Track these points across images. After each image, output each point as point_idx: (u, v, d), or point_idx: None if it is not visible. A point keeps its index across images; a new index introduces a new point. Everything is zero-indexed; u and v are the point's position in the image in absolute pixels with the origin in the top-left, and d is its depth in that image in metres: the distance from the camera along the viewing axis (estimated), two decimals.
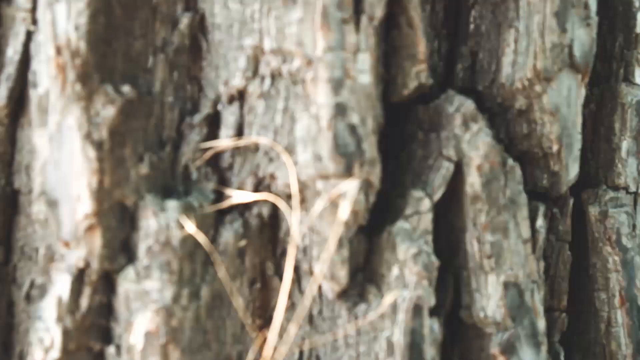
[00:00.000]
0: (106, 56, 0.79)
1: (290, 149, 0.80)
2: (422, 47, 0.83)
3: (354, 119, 0.79)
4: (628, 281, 0.94)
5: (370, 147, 0.79)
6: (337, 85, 0.78)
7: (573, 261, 0.95)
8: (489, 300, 0.85)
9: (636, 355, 0.95)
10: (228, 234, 0.81)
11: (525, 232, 0.87)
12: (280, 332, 0.84)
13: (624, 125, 0.95)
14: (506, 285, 0.85)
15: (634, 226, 0.95)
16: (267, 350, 0.78)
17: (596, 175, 0.96)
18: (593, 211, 0.94)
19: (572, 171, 0.90)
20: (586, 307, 0.96)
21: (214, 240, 0.81)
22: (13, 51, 0.82)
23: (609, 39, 0.96)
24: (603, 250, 0.94)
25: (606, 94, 0.95)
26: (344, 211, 0.76)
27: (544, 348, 0.88)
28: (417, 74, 0.84)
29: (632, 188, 0.95)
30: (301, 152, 0.79)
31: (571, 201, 0.93)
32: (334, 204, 0.79)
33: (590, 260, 0.95)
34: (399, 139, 0.87)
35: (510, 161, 0.85)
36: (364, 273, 0.84)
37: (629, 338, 0.95)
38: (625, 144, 0.95)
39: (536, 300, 0.87)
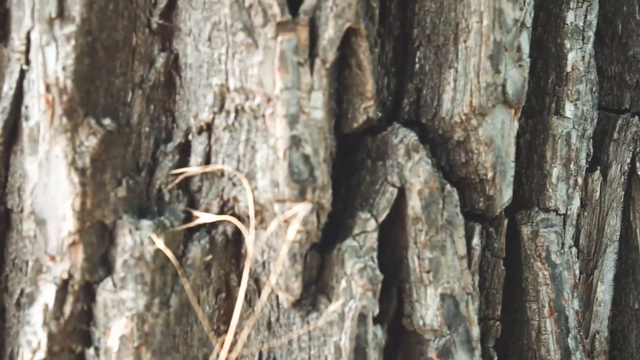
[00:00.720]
0: (90, 92, 0.89)
1: (251, 176, 0.90)
2: (369, 86, 0.93)
3: (307, 149, 0.89)
4: (556, 293, 1.04)
5: (322, 175, 0.90)
6: (292, 120, 0.88)
7: (507, 275, 1.05)
8: (428, 310, 0.95)
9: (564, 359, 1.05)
10: (196, 250, 0.92)
11: (461, 249, 0.97)
12: (241, 337, 0.94)
13: (554, 154, 1.05)
14: (443, 297, 0.95)
15: (563, 244, 1.05)
16: (224, 352, 0.88)
17: (529, 198, 1.06)
18: (526, 230, 1.04)
19: (506, 195, 1.01)
20: (519, 316, 1.06)
21: (183, 255, 0.91)
22: (8, 87, 0.92)
23: (542, 77, 1.06)
24: (534, 266, 1.04)
25: (539, 126, 1.06)
26: (293, 231, 0.86)
27: (477, 353, 0.98)
28: (365, 110, 0.94)
29: (562, 210, 1.05)
30: (260, 178, 0.90)
31: (505, 222, 1.03)
32: (288, 224, 0.89)
33: (523, 275, 1.05)
34: (350, 166, 0.98)
35: (448, 186, 0.95)
36: (316, 285, 0.94)
37: (557, 344, 1.05)
38: (556, 171, 1.05)
39: (470, 310, 0.97)
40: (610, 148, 1.11)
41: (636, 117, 1.12)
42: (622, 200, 1.11)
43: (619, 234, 1.12)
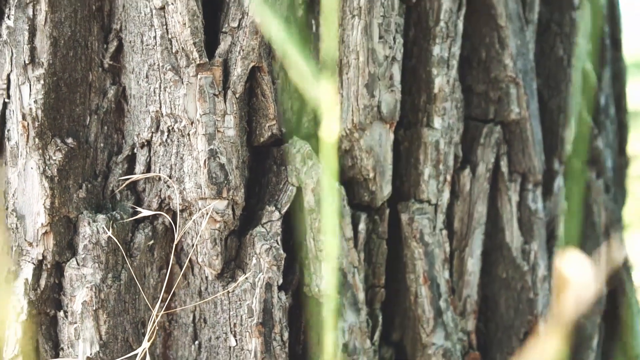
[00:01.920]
0: (56, 119, 1.15)
1: (180, 180, 1.17)
2: (271, 110, 1.19)
3: (223, 159, 1.16)
4: (429, 266, 1.31)
5: (234, 178, 1.17)
6: (210, 138, 1.15)
7: (392, 252, 1.32)
8: (322, 280, 1.22)
9: (437, 318, 1.32)
10: (141, 236, 1.18)
11: (348, 233, 1.24)
12: (180, 303, 1.21)
13: (426, 157, 1.31)
14: (333, 270, 1.22)
15: (434, 227, 1.32)
16: (161, 312, 1.15)
17: (408, 192, 1.33)
18: (404, 217, 1.31)
19: (385, 190, 1.28)
20: (402, 284, 1.33)
21: (131, 240, 1.18)
22: None
23: (416, 97, 1.32)
24: (411, 245, 1.31)
25: (414, 136, 1.32)
26: (205, 221, 1.14)
27: (363, 312, 1.25)
28: (269, 127, 1.21)
29: (433, 201, 1.32)
30: (187, 182, 1.17)
31: (387, 211, 1.30)
32: (209, 216, 1.16)
33: (403, 252, 1.32)
34: (261, 171, 1.24)
35: (336, 185, 1.23)
36: (235, 262, 1.21)
37: (431, 306, 1.32)
38: (427, 170, 1.31)
39: (357, 279, 1.25)
40: (478, 151, 1.38)
41: (499, 126, 1.39)
42: (488, 192, 1.38)
43: (485, 218, 1.38)
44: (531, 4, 1.40)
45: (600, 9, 1.57)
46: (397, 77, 1.25)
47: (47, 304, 1.16)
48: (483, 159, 1.37)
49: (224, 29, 1.17)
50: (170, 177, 1.17)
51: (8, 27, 1.13)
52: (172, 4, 1.14)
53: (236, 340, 1.18)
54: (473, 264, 1.37)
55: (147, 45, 1.17)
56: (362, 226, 1.26)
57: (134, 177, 1.18)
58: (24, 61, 1.14)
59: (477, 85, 1.38)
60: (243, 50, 1.16)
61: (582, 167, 1.51)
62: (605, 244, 1.52)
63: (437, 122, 1.31)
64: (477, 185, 1.37)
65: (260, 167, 1.24)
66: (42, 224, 1.14)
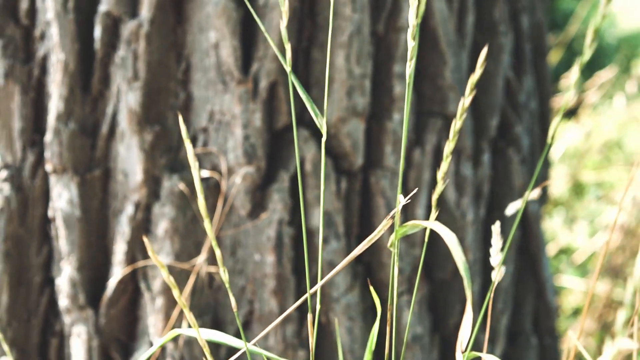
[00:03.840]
0: (148, 114, 1.84)
1: (225, 153, 1.85)
2: (284, 109, 1.87)
3: (253, 140, 1.83)
4: (388, 211, 1.98)
5: (260, 153, 1.84)
6: (245, 127, 1.83)
7: (363, 203, 1.99)
8: (315, 219, 1.90)
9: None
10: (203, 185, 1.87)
11: (333, 188, 1.91)
12: (224, 232, 1.89)
13: (387, 139, 1.98)
14: (322, 212, 1.90)
15: (393, 187, 1.99)
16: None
17: (375, 163, 2.00)
18: (373, 179, 1.98)
19: (359, 161, 1.95)
20: (370, 224, 2.00)
21: (193, 191, 1.86)
22: None
23: (382, 99, 1.99)
24: (376, 198, 1.98)
25: (380, 125, 1.99)
26: (242, 180, 1.82)
27: (342, 241, 1.93)
28: (283, 120, 1.88)
29: (392, 169, 1.99)
30: (230, 154, 1.85)
31: (361, 175, 1.98)
32: (243, 177, 1.84)
33: (371, 202, 1.99)
34: (278, 147, 1.92)
35: (324, 157, 1.90)
36: (260, 207, 1.89)
37: (388, 237, 1.99)
38: (388, 148, 1.98)
39: (338, 219, 1.92)
40: (426, 135, 2.04)
41: (440, 119, 2.05)
42: (431, 163, 2.04)
43: (429, 182, 2.05)
44: (465, 35, 2.06)
45: (523, 33, 2.22)
46: (367, 87, 1.92)
47: (141, 231, 1.85)
48: (429, 140, 2.03)
49: (254, 56, 1.84)
50: (219, 151, 1.85)
51: (120, 57, 1.82)
52: (222, 41, 1.81)
53: (260, 255, 1.86)
54: (420, 213, 2.04)
55: (206, 66, 1.84)
56: (343, 185, 1.93)
57: (197, 150, 1.86)
58: (129, 77, 1.82)
59: (426, 90, 2.04)
60: (266, 71, 1.83)
61: (504, 146, 2.17)
62: (519, 199, 2.18)
63: (396, 116, 1.97)
64: (425, 159, 2.03)
65: (278, 145, 1.91)
66: (139, 180, 1.83)
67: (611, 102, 5.73)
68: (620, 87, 5.92)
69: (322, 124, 1.36)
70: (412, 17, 1.13)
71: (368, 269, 1.99)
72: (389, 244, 1.34)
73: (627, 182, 4.07)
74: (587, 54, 0.93)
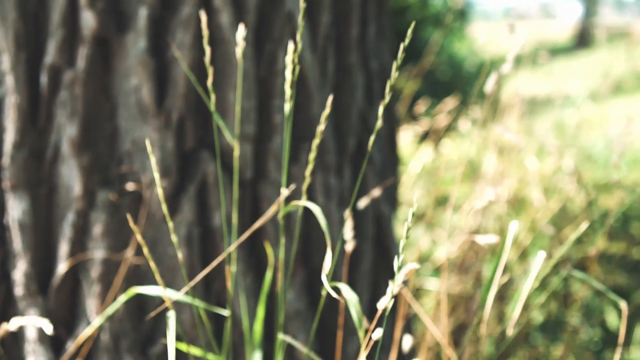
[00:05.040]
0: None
1: (144, 170, 2.41)
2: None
3: (168, 162, 2.40)
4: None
5: (172, 172, 2.41)
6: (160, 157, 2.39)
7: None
8: None
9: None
10: (124, 198, 2.42)
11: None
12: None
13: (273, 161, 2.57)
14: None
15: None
16: None
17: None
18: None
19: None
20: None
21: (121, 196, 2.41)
22: None
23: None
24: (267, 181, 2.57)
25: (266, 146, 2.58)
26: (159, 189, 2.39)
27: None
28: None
29: (277, 178, 2.58)
30: (148, 172, 2.41)
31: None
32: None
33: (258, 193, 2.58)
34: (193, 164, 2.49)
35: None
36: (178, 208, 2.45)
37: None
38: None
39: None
40: (303, 154, 2.65)
41: (310, 141, 2.65)
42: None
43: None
44: (328, 76, 2.67)
45: (372, 73, 2.85)
46: (254, 117, 2.50)
47: (80, 233, 2.38)
48: (303, 158, 2.63)
49: (166, 96, 2.40)
50: (141, 169, 2.40)
51: (62, 98, 2.36)
52: (142, 85, 2.37)
53: (174, 249, 2.42)
54: (298, 214, 2.63)
55: (129, 104, 2.40)
56: (237, 193, 2.51)
57: (124, 169, 2.40)
58: (69, 113, 2.36)
59: (299, 120, 2.64)
60: (176, 107, 2.40)
61: (361, 161, 2.79)
62: (372, 201, 2.80)
63: (276, 140, 2.56)
64: (300, 172, 2.62)
65: (186, 163, 2.47)
66: (78, 193, 2.36)
67: (460, 125, 6.51)
68: (468, 112, 6.68)
69: (235, 145, 1.92)
70: (288, 72, 1.73)
71: (259, 261, 2.56)
72: (279, 216, 1.92)
73: (474, 194, 4.84)
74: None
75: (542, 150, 6.73)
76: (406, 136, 6.50)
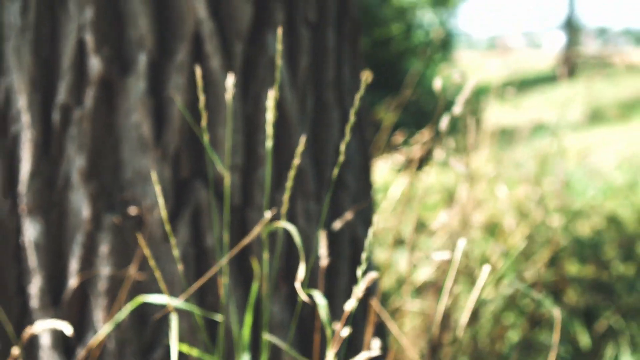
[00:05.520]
0: None
1: (144, 197, 2.77)
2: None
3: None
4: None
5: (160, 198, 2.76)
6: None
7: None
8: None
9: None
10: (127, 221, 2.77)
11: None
12: None
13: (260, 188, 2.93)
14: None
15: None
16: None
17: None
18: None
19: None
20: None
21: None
22: None
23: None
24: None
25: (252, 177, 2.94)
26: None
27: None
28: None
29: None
30: (149, 198, 2.76)
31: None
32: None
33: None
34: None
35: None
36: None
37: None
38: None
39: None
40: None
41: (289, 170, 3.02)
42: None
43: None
44: (306, 113, 3.03)
45: (347, 109, 3.21)
46: (241, 150, 2.86)
47: (88, 252, 2.73)
48: (285, 185, 2.98)
49: (164, 131, 2.76)
50: (142, 196, 2.75)
51: (71, 133, 2.71)
52: (142, 121, 2.73)
53: (172, 266, 2.76)
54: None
55: (131, 138, 2.76)
56: (227, 218, 2.86)
57: (127, 196, 2.76)
58: (77, 147, 2.71)
59: (283, 151, 2.99)
60: (173, 140, 2.76)
61: (338, 189, 3.14)
62: (348, 224, 3.15)
63: (261, 170, 2.91)
64: (282, 198, 2.98)
65: (182, 190, 2.83)
66: (86, 217, 2.71)
67: (436, 155, 6.88)
68: (446, 143, 7.04)
69: (225, 174, 2.27)
70: (269, 114, 2.09)
71: (247, 277, 2.91)
72: (263, 236, 2.27)
73: (447, 220, 5.22)
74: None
75: (518, 179, 7.11)
76: (385, 165, 6.90)
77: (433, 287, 5.22)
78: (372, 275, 1.88)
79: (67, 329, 2.12)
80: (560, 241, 6.35)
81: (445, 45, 16.54)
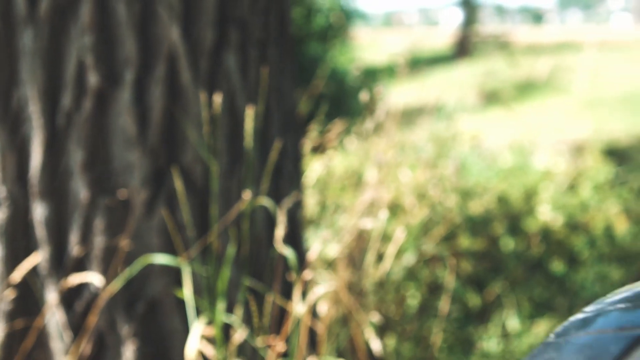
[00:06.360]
0: None
1: None
2: None
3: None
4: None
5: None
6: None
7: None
8: None
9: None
10: None
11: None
12: None
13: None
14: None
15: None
16: None
17: None
18: None
19: None
20: None
21: None
22: None
23: None
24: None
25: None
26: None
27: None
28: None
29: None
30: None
31: None
32: None
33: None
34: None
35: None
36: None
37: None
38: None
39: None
40: None
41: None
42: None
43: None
44: (256, 112, 3.91)
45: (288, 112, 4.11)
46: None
47: (85, 226, 3.58)
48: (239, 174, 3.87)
49: (146, 129, 3.62)
50: (129, 182, 3.61)
51: (73, 134, 3.55)
52: (128, 123, 3.58)
53: (151, 238, 3.62)
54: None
55: (120, 136, 3.61)
56: (194, 201, 3.74)
57: (119, 185, 3.61)
58: (77, 144, 3.56)
59: (237, 146, 3.87)
60: (153, 137, 3.62)
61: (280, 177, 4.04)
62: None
63: (221, 161, 3.80)
64: (235, 185, 3.86)
65: (161, 177, 3.68)
66: (84, 199, 3.56)
67: (348, 141, 7.86)
68: (355, 129, 8.01)
69: (193, 165, 3.15)
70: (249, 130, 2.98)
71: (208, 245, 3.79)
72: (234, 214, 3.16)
73: (358, 200, 6.32)
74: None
75: (418, 162, 8.11)
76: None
77: (343, 260, 6.19)
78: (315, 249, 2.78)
79: (100, 279, 2.98)
80: (455, 218, 7.41)
81: (343, 26, 17.41)
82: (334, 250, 6.37)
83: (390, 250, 5.15)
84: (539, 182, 9.03)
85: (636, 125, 12.59)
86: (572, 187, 9.19)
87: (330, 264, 6.34)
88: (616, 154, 11.43)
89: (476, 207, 8.02)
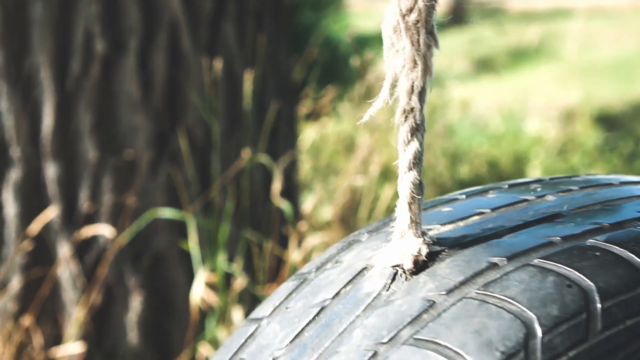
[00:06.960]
0: None
1: None
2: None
3: None
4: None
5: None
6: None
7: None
8: None
9: None
10: None
11: None
12: None
13: None
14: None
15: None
16: None
17: None
18: None
19: None
20: None
21: None
22: None
23: None
24: None
25: None
26: None
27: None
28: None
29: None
30: None
31: None
32: None
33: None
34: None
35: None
36: None
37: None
38: None
39: None
40: None
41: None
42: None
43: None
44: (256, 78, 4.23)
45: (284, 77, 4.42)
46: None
47: (94, 185, 3.90)
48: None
49: (150, 93, 3.93)
50: (136, 144, 3.93)
51: (83, 98, 3.86)
52: (132, 88, 3.90)
53: (156, 195, 3.95)
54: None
55: (126, 101, 3.93)
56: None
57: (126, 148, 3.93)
58: (86, 108, 3.87)
59: (236, 110, 4.19)
60: (156, 102, 3.94)
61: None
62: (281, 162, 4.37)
63: (221, 124, 4.11)
64: (233, 145, 4.18)
65: (164, 138, 4.00)
66: (92, 158, 3.88)
67: (341, 107, 8.17)
68: (348, 95, 8.32)
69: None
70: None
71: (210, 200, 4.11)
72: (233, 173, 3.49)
73: (351, 164, 6.71)
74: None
75: None
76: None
77: (336, 222, 6.51)
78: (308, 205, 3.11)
79: (109, 230, 3.31)
80: (445, 182, 7.74)
81: None
82: (327, 212, 6.68)
83: (380, 208, 5.45)
84: (530, 147, 9.35)
85: (627, 92, 12.93)
86: (562, 153, 9.52)
87: (324, 226, 6.63)
88: (607, 121, 11.76)
89: (466, 171, 8.35)
